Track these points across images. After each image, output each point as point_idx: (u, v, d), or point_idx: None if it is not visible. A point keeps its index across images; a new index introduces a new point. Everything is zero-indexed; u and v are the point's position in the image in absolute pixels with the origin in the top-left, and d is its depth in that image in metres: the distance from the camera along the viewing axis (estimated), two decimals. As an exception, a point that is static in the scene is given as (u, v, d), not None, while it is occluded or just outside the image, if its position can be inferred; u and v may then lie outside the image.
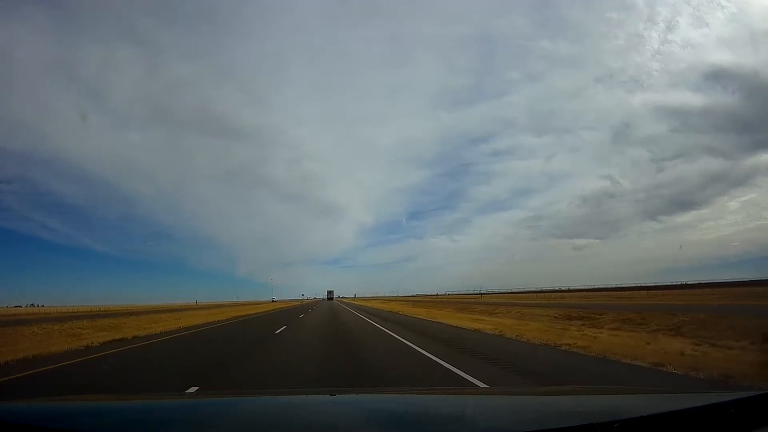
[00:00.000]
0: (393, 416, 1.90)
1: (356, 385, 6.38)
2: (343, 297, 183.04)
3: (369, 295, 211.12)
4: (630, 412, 1.57)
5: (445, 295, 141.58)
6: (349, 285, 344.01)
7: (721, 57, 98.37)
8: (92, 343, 12.88)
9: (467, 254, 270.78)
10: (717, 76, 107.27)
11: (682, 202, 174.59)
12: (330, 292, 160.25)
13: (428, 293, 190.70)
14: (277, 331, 16.46)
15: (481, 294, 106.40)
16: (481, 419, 1.76)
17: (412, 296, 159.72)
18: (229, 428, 1.72)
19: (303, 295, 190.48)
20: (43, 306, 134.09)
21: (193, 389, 6.00)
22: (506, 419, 1.82)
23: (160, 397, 3.00)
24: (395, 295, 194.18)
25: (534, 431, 1.48)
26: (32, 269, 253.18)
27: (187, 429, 1.72)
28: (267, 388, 5.75)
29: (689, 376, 6.09)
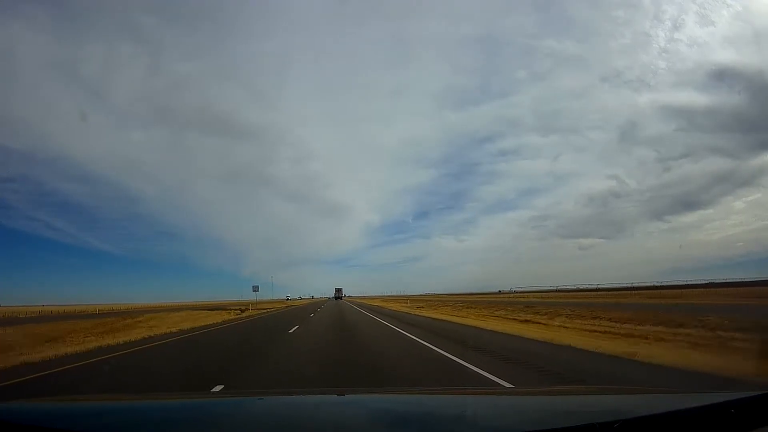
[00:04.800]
0: (398, 416, 1.91)
1: (361, 385, 6.37)
2: (352, 296, 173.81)
3: (374, 294, 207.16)
4: (630, 412, 1.57)
5: (509, 293, 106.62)
6: (355, 285, 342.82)
7: (727, 56, 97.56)
8: None
9: (473, 254, 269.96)
10: (723, 75, 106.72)
11: (688, 202, 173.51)
12: (338, 291, 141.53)
13: (438, 292, 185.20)
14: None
15: (556, 291, 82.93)
16: (484, 419, 1.76)
17: (422, 295, 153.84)
18: (232, 429, 1.72)
19: (288, 297, 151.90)
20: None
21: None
22: (508, 419, 1.82)
23: (161, 397, 2.98)
24: (403, 294, 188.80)
25: (535, 431, 1.49)
26: (34, 268, 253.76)
27: (187, 429, 1.72)
28: (271, 388, 5.73)
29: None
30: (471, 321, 20.38)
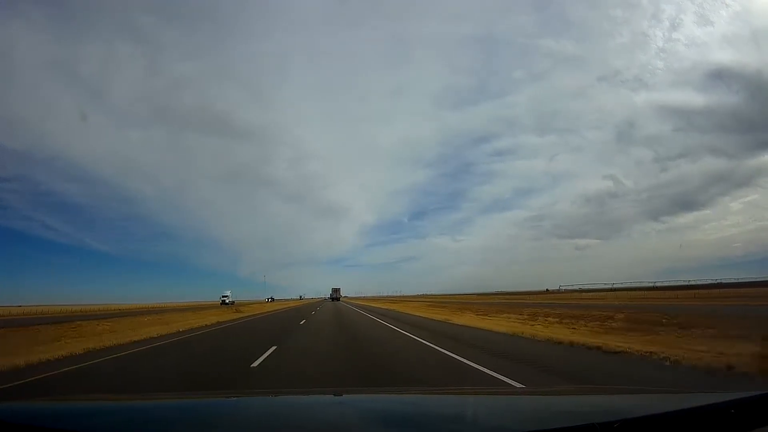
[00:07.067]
0: (397, 416, 1.91)
1: (359, 385, 6.38)
2: (348, 297, 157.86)
3: (371, 295, 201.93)
4: (630, 412, 1.56)
5: (560, 291, 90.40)
6: (351, 285, 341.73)
7: (725, 56, 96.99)
8: None
9: (470, 254, 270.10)
10: (721, 75, 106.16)
11: (685, 203, 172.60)
12: (335, 291, 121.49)
13: (434, 293, 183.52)
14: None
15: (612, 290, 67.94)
16: (483, 419, 1.76)
17: (421, 295, 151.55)
18: (231, 429, 1.72)
19: (225, 298, 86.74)
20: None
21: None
22: (507, 419, 1.82)
23: (160, 397, 3.00)
24: (400, 295, 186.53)
25: (534, 431, 1.48)
26: (34, 268, 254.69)
27: (187, 429, 1.72)
28: (269, 389, 5.74)
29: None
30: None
